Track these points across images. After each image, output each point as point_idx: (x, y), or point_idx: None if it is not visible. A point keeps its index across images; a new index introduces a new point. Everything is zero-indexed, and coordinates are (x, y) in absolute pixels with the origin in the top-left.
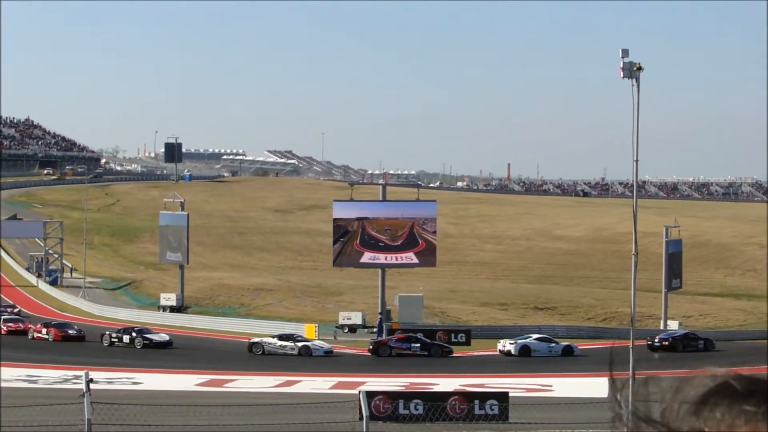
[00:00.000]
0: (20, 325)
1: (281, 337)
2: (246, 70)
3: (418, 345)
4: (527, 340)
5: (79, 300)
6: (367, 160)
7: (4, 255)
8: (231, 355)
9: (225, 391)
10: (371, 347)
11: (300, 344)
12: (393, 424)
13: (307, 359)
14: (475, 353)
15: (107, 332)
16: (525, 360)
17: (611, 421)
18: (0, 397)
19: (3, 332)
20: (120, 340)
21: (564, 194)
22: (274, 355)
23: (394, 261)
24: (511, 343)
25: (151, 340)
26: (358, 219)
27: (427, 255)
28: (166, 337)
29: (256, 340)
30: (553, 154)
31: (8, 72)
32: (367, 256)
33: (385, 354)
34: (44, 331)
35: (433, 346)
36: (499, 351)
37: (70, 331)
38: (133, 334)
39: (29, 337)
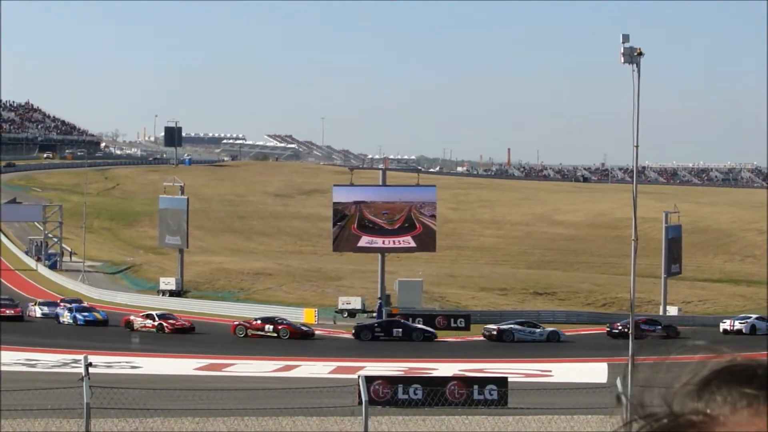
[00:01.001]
0: (184, 322)
1: (529, 324)
2: (246, 55)
3: (660, 326)
4: (750, 319)
5: (78, 284)
6: (368, 145)
7: (3, 238)
8: (231, 339)
9: (224, 376)
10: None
11: (549, 330)
12: (392, 409)
13: (554, 344)
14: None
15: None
16: (751, 338)
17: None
18: (0, 381)
19: (167, 330)
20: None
21: (564, 180)
22: (523, 342)
23: (391, 245)
24: (741, 323)
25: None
26: (355, 203)
27: (426, 239)
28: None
29: (504, 326)
30: (553, 139)
31: (8, 56)
32: (365, 240)
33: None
34: (268, 327)
35: (669, 327)
36: (724, 330)
37: (305, 329)
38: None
39: (241, 335)
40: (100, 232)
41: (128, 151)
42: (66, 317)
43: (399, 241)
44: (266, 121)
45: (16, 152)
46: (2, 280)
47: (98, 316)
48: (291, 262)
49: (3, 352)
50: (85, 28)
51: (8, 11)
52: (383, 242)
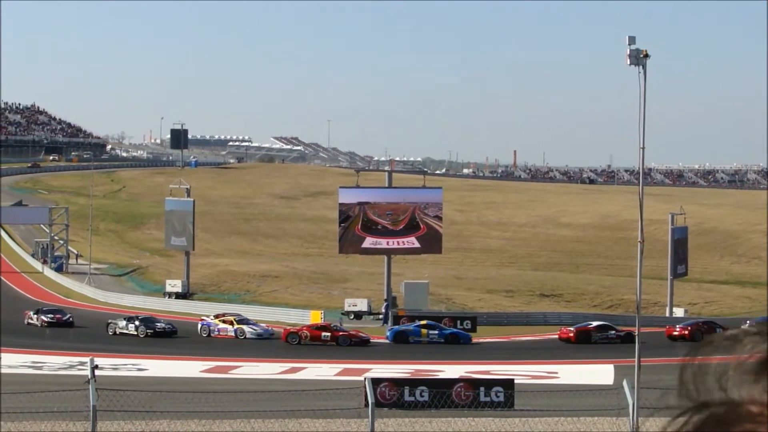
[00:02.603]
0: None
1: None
2: (252, 57)
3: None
4: None
5: (84, 286)
6: (373, 146)
7: (9, 241)
8: (237, 341)
9: (230, 378)
10: None
11: None
12: (398, 411)
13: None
14: None
15: None
16: None
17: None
18: (0, 383)
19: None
20: None
21: (570, 181)
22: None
23: (395, 246)
24: None
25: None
26: (359, 204)
27: (430, 240)
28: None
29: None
30: (559, 141)
31: (13, 57)
32: (369, 241)
33: None
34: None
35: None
36: None
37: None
38: None
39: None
40: (106, 234)
41: (134, 154)
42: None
43: (403, 241)
44: (272, 123)
45: (22, 155)
46: (7, 282)
47: None
48: (297, 264)
49: (10, 355)
50: (90, 29)
51: (13, 12)
52: (387, 243)
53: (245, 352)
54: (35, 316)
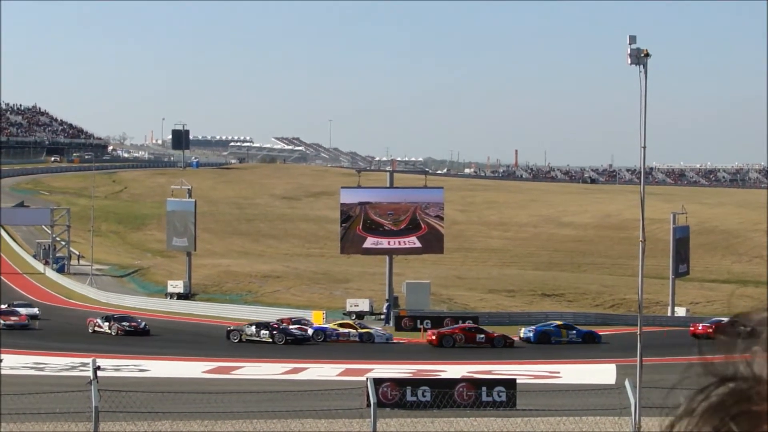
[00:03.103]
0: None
1: None
2: (253, 57)
3: None
4: None
5: (86, 287)
6: (375, 146)
7: (11, 242)
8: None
9: (232, 378)
10: None
11: None
12: (400, 411)
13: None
14: None
15: None
16: None
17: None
18: (0, 384)
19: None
20: None
21: (571, 181)
22: None
23: (397, 246)
24: None
25: None
26: (360, 204)
27: (431, 240)
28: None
29: None
30: (560, 140)
31: (14, 58)
32: (370, 241)
33: None
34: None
35: None
36: None
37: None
38: None
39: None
40: (107, 235)
41: (135, 154)
42: None
43: (404, 241)
44: (273, 123)
45: (23, 156)
46: (8, 283)
47: None
48: (299, 265)
49: (12, 356)
50: (90, 29)
51: (13, 12)
52: (389, 243)
53: (247, 353)
54: (105, 323)
